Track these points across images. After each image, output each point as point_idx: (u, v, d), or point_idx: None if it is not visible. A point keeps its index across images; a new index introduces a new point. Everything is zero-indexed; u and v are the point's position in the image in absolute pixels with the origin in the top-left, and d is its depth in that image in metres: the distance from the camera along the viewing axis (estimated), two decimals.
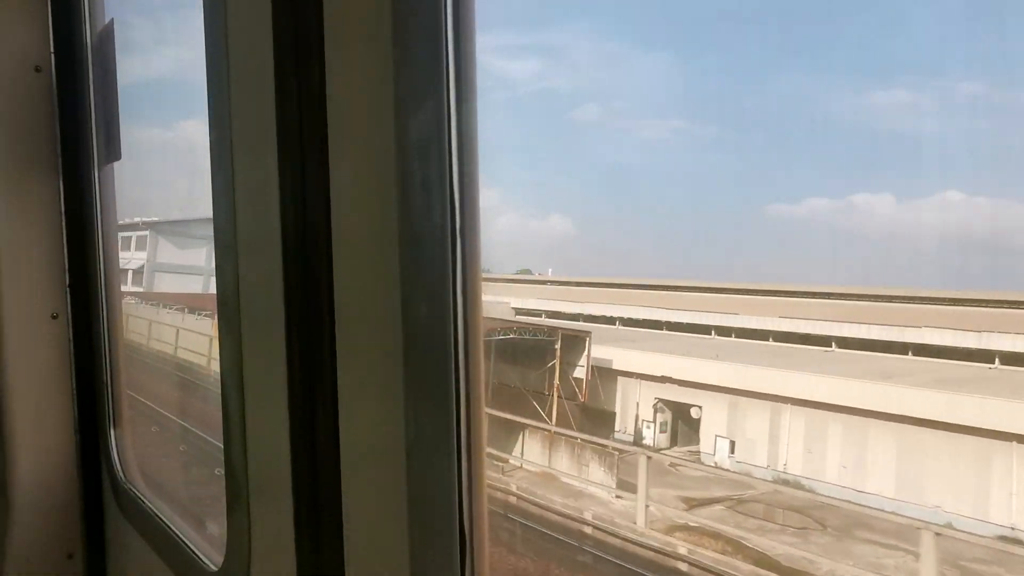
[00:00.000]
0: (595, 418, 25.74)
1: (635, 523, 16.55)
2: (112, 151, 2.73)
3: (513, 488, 18.89)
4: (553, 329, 27.35)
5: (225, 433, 1.63)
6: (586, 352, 26.28)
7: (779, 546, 15.53)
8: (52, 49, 2.75)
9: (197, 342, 25.15)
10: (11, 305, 2.74)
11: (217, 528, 1.83)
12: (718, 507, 18.52)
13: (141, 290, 35.44)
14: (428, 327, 1.18)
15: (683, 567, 15.09)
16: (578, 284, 37.07)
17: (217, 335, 1.63)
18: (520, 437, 22.79)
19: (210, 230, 1.59)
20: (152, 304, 32.79)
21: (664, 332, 30.44)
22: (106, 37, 2.67)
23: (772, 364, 23.45)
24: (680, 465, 21.30)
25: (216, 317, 1.65)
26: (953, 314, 23.17)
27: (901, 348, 23.67)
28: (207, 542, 2.07)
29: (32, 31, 2.72)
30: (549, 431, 22.90)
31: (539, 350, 26.12)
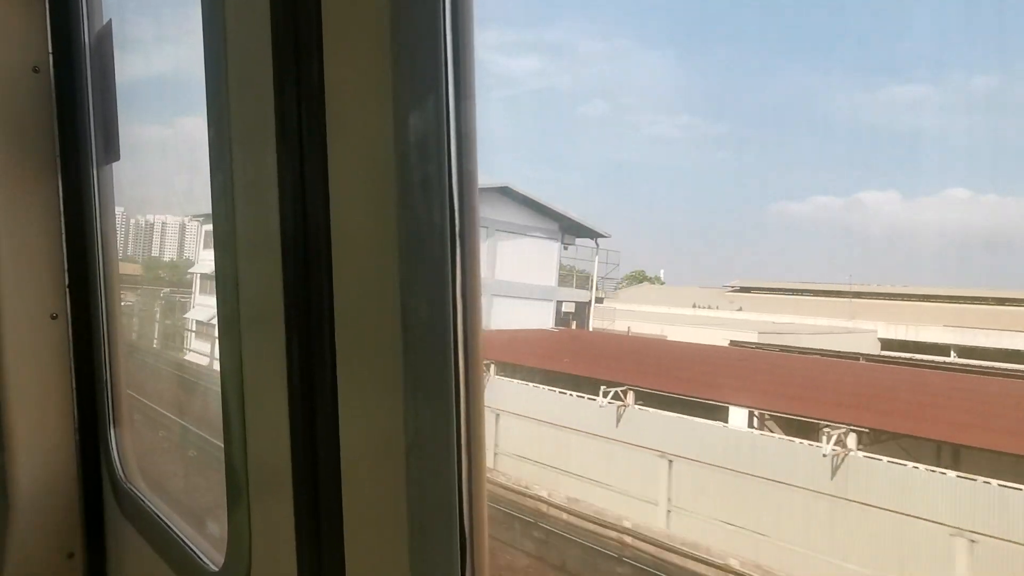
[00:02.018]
0: None
1: None
2: (111, 152, 2.72)
3: None
4: None
5: (225, 433, 1.63)
6: None
7: None
8: (50, 50, 2.74)
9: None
10: (10, 306, 2.74)
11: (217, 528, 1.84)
12: None
13: None
14: (428, 325, 1.18)
15: None
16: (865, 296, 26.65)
17: (219, 334, 1.63)
18: None
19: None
20: None
21: None
22: (104, 37, 2.67)
23: None
24: None
25: (217, 318, 1.65)
26: None
27: None
28: (207, 542, 2.07)
29: (30, 32, 2.72)
30: None
31: None
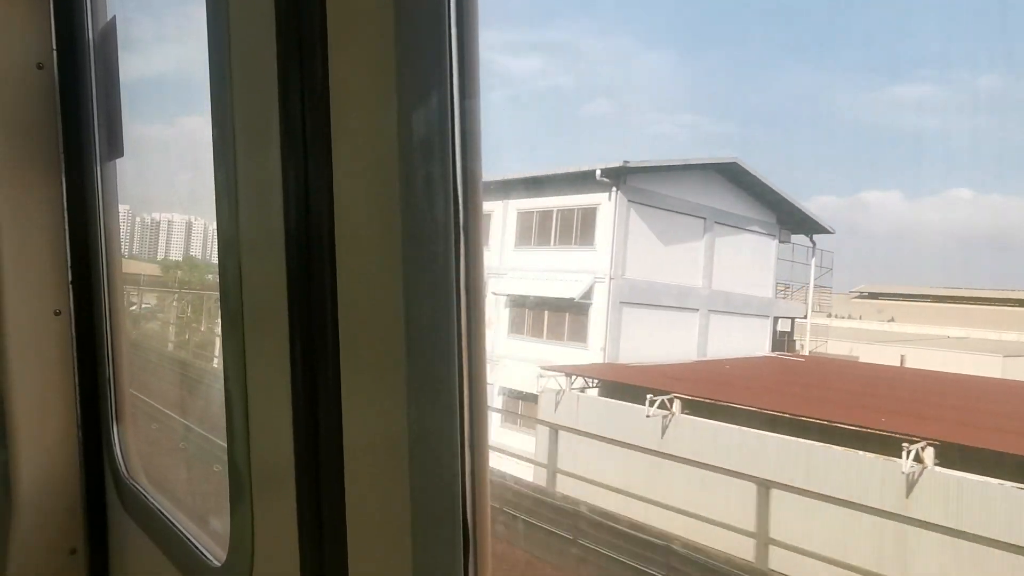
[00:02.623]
0: None
1: None
2: (114, 148, 2.73)
3: None
4: None
5: (228, 430, 1.64)
6: None
7: None
8: (54, 46, 2.75)
9: None
10: (14, 302, 2.75)
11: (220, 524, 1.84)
12: None
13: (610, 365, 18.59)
14: (431, 323, 1.18)
15: None
16: None
17: (222, 333, 1.63)
18: None
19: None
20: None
21: None
22: (108, 34, 2.68)
23: None
24: None
25: (221, 316, 1.65)
26: None
27: None
28: (210, 538, 2.08)
29: (34, 28, 2.72)
30: None
31: None
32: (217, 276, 1.64)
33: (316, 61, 1.29)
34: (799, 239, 23.79)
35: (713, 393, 15.84)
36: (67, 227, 2.82)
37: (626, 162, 19.42)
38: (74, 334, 2.85)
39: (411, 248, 1.18)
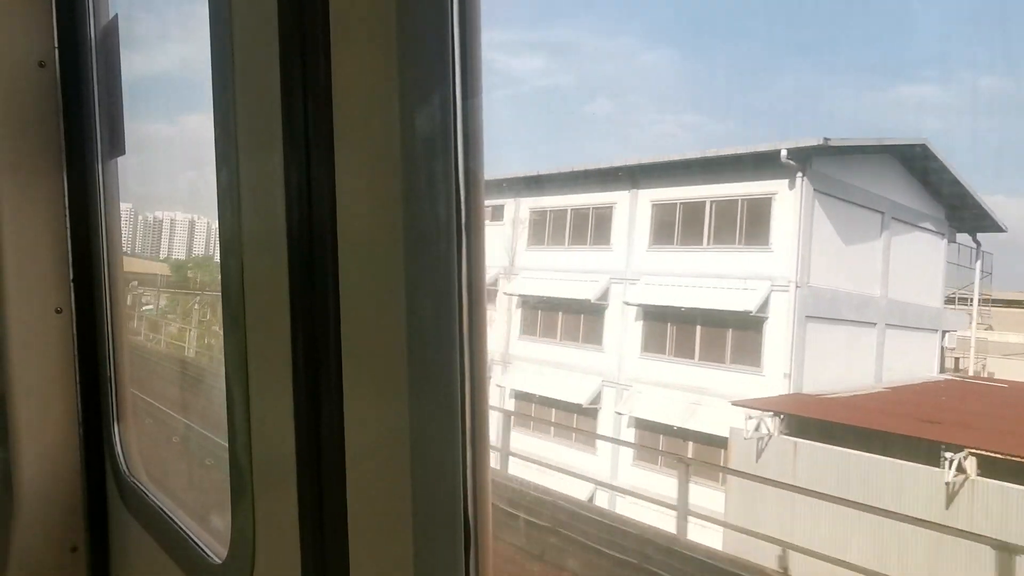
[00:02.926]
0: None
1: None
2: (116, 146, 2.74)
3: None
4: None
5: (230, 428, 1.64)
6: None
7: None
8: (56, 44, 2.75)
9: None
10: (15, 300, 2.76)
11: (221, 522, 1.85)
12: None
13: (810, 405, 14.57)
14: (433, 323, 1.18)
15: None
16: None
17: (223, 332, 1.64)
18: None
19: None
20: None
21: None
22: (110, 32, 2.69)
23: None
24: None
25: (222, 315, 1.65)
26: None
27: None
28: (211, 535, 2.08)
29: (36, 26, 2.73)
30: None
31: None
32: (219, 274, 1.65)
33: (318, 60, 1.30)
34: (961, 238, 20.14)
35: (984, 441, 11.51)
36: (68, 225, 2.83)
37: (826, 139, 15.49)
38: (75, 332, 2.86)
39: (413, 247, 1.18)
